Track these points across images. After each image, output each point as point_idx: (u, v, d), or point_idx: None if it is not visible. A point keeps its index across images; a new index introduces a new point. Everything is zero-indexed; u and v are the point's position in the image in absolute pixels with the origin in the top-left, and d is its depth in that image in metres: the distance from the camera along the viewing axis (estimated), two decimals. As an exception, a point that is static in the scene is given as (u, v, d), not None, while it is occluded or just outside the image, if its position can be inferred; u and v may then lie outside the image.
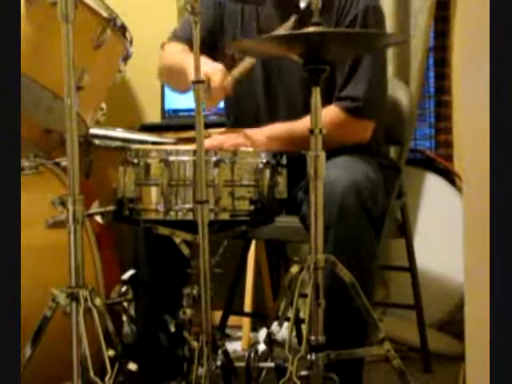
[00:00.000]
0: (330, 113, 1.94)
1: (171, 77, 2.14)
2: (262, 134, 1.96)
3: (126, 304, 1.70)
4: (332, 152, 1.87)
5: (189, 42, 1.84)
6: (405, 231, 2.33)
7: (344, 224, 1.74)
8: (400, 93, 2.43)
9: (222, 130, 2.12)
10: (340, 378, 1.60)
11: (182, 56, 2.02)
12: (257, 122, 2.04)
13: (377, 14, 2.02)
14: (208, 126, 2.05)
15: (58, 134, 2.24)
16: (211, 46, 2.05)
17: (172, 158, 1.63)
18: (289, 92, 2.05)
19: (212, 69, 1.88)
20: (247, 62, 1.92)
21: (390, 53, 2.74)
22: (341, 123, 1.95)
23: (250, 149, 1.85)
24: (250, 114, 2.11)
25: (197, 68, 1.56)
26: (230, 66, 1.93)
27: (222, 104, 2.16)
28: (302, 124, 1.87)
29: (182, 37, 2.11)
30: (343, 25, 1.99)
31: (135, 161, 1.65)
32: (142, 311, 1.83)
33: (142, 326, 1.85)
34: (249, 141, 1.93)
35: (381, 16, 2.05)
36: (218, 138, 1.95)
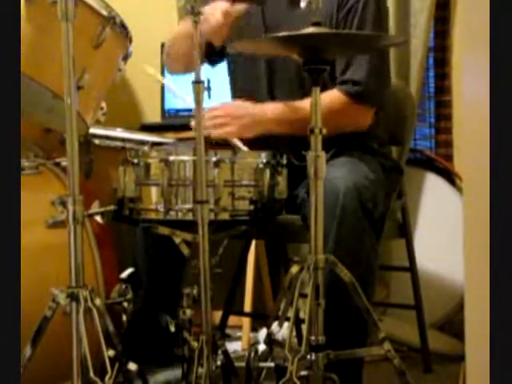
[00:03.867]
0: (331, 96, 1.93)
1: (176, 51, 2.13)
2: (264, 117, 1.94)
3: (126, 304, 1.70)
4: (334, 152, 1.88)
5: None
6: (405, 231, 2.33)
7: (344, 225, 1.74)
8: (400, 93, 2.43)
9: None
10: (340, 378, 1.60)
11: (185, 24, 2.03)
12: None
13: (378, 4, 2.01)
14: (208, 125, 2.05)
15: (58, 134, 2.24)
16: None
17: (172, 158, 1.63)
18: (287, 76, 2.05)
19: (209, 8, 1.91)
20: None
21: (390, 53, 2.74)
22: (341, 107, 1.94)
23: (246, 148, 1.85)
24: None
25: (197, 68, 1.56)
26: None
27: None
28: (305, 105, 1.88)
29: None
30: (344, 9, 1.98)
31: (135, 161, 1.65)
32: (140, 311, 1.83)
33: (139, 325, 1.85)
34: (246, 130, 1.92)
35: (382, 4, 2.04)
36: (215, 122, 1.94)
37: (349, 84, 1.96)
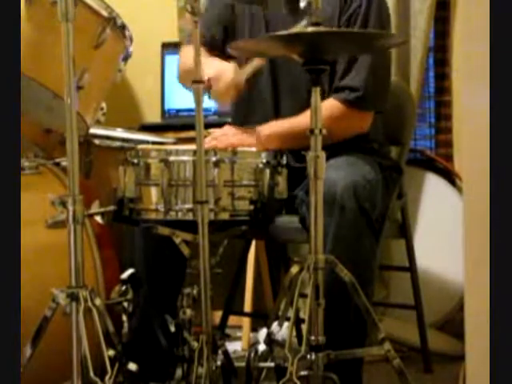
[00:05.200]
0: (329, 107, 1.92)
1: (189, 80, 2.13)
2: (261, 133, 1.96)
3: (126, 304, 1.70)
4: (332, 152, 1.88)
5: (205, 45, 1.88)
6: (405, 231, 2.33)
7: (343, 224, 1.74)
8: (400, 93, 2.43)
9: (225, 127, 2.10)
10: (340, 377, 1.60)
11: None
12: (263, 117, 2.03)
13: (381, 6, 2.00)
14: (208, 125, 2.05)
15: (58, 134, 2.24)
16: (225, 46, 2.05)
17: (172, 158, 1.63)
18: (294, 86, 2.05)
19: (224, 66, 1.90)
20: (257, 62, 1.92)
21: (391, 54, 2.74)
22: (341, 116, 1.94)
23: (251, 148, 1.85)
24: (255, 108, 2.10)
25: (197, 67, 1.56)
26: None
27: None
28: (302, 120, 1.87)
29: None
30: (347, 13, 1.98)
31: (135, 161, 1.65)
32: (140, 311, 1.83)
33: (140, 325, 1.85)
34: (246, 141, 1.92)
35: (384, 9, 2.03)
36: (214, 138, 1.95)
37: (346, 91, 1.96)
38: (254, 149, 1.88)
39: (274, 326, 1.65)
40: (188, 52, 2.09)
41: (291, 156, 1.95)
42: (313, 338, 1.57)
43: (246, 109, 2.13)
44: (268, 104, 2.07)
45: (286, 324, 1.67)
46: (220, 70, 1.87)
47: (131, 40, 2.17)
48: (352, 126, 1.99)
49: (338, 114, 1.94)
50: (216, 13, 2.12)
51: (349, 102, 1.95)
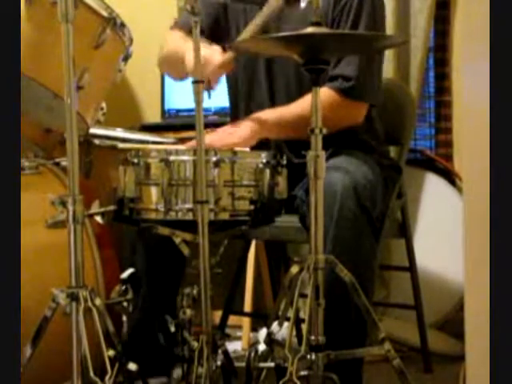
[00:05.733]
0: (321, 94, 1.92)
1: (170, 64, 2.14)
2: (253, 121, 1.95)
3: (125, 304, 1.70)
4: (332, 152, 1.88)
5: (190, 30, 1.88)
6: (405, 231, 2.33)
7: (343, 224, 1.74)
8: (400, 93, 2.43)
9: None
10: (340, 377, 1.60)
11: (180, 43, 2.02)
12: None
13: (373, 4, 2.00)
14: (208, 125, 2.05)
15: (58, 134, 2.24)
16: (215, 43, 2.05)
17: (172, 158, 1.63)
18: (288, 87, 2.05)
19: (209, 49, 1.91)
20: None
21: (390, 53, 2.74)
22: (333, 104, 1.92)
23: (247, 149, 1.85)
24: (253, 110, 2.10)
25: (197, 68, 1.56)
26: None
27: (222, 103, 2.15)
28: (291, 109, 1.88)
29: (183, 25, 2.10)
30: (339, 5, 1.98)
31: (135, 160, 1.65)
32: (140, 311, 1.83)
33: (140, 325, 1.85)
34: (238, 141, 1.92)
35: (378, 2, 2.02)
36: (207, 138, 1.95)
37: (339, 79, 1.95)
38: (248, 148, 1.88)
39: (274, 325, 1.65)
40: (173, 37, 2.10)
41: (291, 153, 1.95)
42: (313, 337, 1.57)
43: (244, 110, 2.13)
44: (266, 106, 2.07)
45: (286, 324, 1.67)
46: (208, 55, 1.88)
47: (131, 40, 2.17)
48: (345, 116, 1.97)
49: (330, 102, 1.92)
50: (206, 11, 2.11)
51: (341, 90, 1.95)
